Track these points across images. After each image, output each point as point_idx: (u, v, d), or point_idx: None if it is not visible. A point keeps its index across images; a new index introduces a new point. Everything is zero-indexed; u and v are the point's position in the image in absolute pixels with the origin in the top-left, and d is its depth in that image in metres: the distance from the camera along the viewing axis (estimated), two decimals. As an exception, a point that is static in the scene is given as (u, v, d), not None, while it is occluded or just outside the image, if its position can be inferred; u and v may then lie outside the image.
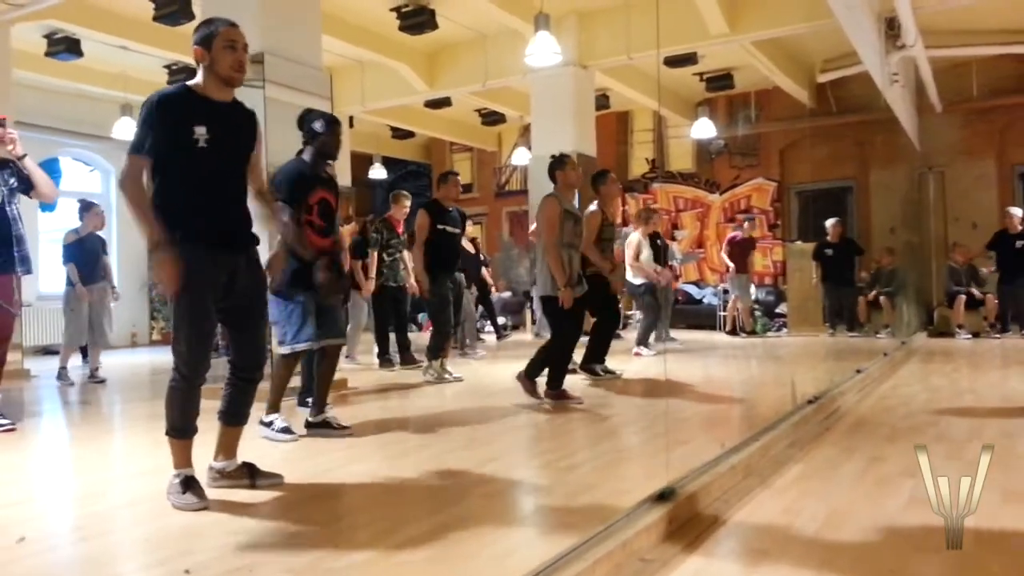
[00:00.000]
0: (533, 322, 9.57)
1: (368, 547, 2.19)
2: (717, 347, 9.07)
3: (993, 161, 11.17)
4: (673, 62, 9.67)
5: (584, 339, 5.63)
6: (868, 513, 2.61)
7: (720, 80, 11.11)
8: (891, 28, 7.90)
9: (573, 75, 9.52)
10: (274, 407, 3.87)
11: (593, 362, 5.91)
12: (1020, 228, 9.42)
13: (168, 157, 2.67)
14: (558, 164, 5.01)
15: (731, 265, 10.05)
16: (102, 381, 6.68)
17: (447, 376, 5.95)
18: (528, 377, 4.88)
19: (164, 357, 8.95)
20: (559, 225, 4.77)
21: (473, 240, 9.70)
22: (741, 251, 10.14)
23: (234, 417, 2.99)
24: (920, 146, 11.13)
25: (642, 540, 2.25)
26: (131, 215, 2.64)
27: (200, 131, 2.68)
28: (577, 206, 5.14)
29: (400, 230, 7.21)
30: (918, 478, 3.03)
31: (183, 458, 2.78)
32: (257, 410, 3.31)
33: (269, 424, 3.84)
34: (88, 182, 11.96)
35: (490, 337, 10.27)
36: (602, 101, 11.23)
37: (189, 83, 2.78)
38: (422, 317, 11.56)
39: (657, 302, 7.91)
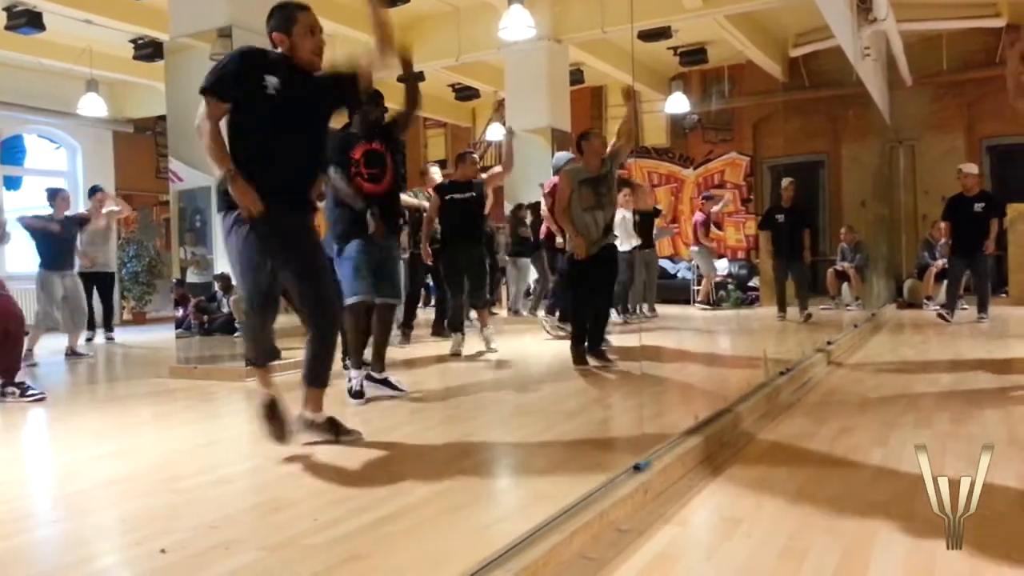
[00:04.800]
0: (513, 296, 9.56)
1: (345, 522, 2.20)
2: (691, 321, 9.15)
3: (962, 134, 11.31)
4: (647, 36, 9.64)
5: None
6: (838, 482, 2.66)
7: (694, 54, 11.11)
8: (863, 2, 7.92)
9: (547, 49, 9.46)
10: (354, 363, 4.10)
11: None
12: (977, 190, 8.05)
13: (240, 106, 2.84)
14: (583, 136, 5.29)
15: (701, 243, 10.28)
16: (82, 355, 6.92)
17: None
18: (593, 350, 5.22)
19: (134, 337, 8.92)
20: (569, 196, 5.14)
21: None
22: (702, 225, 10.37)
23: (307, 377, 3.14)
24: (891, 120, 11.23)
25: (618, 511, 2.28)
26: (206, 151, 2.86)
27: (271, 80, 2.82)
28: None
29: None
30: (888, 447, 3.11)
31: (266, 380, 3.04)
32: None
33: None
34: (54, 160, 11.72)
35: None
36: (576, 76, 11.19)
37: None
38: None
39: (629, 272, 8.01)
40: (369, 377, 4.18)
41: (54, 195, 7.21)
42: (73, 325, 7.01)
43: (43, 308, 6.78)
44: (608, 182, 5.20)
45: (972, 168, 8.17)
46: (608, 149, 5.24)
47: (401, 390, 4.24)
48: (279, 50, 2.94)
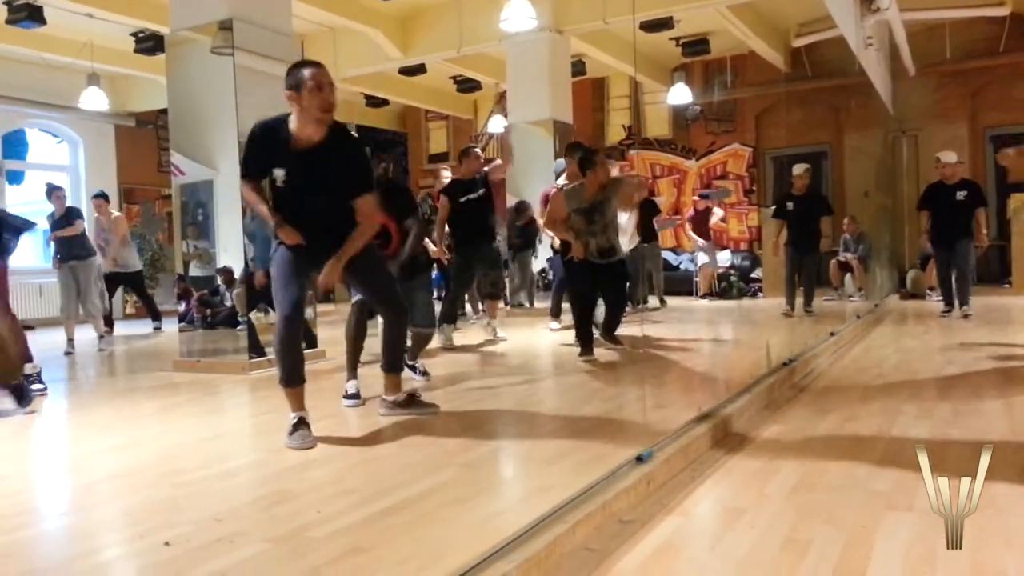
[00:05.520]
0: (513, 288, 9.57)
1: (348, 515, 2.21)
2: (694, 312, 9.14)
3: (965, 124, 11.25)
4: (649, 27, 9.59)
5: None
6: (841, 472, 2.66)
7: (696, 45, 11.05)
8: (866, -9, 7.89)
9: (549, 41, 9.43)
10: (349, 373, 4.01)
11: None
12: (958, 178, 7.57)
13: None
14: (588, 165, 5.22)
15: (697, 239, 10.30)
16: (101, 350, 7.16)
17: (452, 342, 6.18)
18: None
19: (138, 331, 8.95)
20: (563, 214, 5.23)
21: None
22: (702, 221, 10.43)
23: (385, 365, 3.58)
24: (894, 110, 11.18)
25: (621, 502, 2.28)
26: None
27: (278, 173, 3.14)
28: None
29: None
30: (890, 437, 3.11)
31: (295, 404, 3.19)
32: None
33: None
34: (56, 154, 11.73)
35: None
36: (578, 67, 11.15)
37: (288, 117, 3.15)
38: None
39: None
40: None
41: (50, 192, 7.39)
42: (89, 314, 7.24)
43: (62, 301, 7.13)
44: (602, 209, 5.20)
45: (950, 156, 7.70)
46: (610, 180, 5.28)
47: (426, 375, 4.55)
48: (290, 113, 3.11)
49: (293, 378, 3.21)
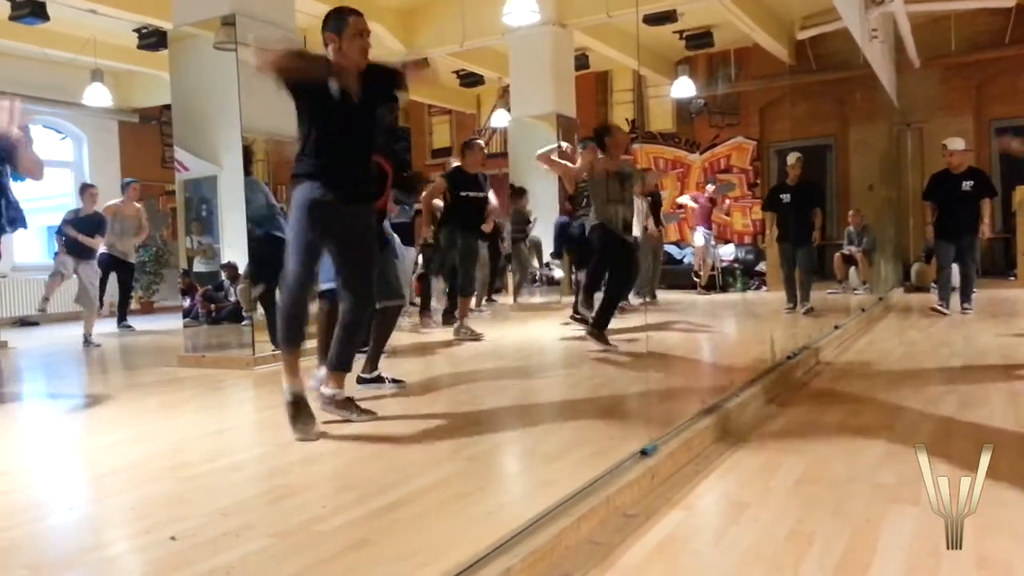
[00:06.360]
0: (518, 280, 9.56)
1: (353, 509, 2.21)
2: (697, 305, 9.13)
3: (971, 116, 11.20)
4: (652, 20, 9.57)
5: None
6: (845, 465, 2.66)
7: (700, 38, 11.02)
8: (870, -17, 7.85)
9: (552, 34, 9.42)
10: (320, 360, 3.80)
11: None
12: (966, 167, 7.21)
13: (307, 112, 3.14)
14: (604, 132, 5.43)
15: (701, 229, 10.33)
16: (98, 345, 7.02)
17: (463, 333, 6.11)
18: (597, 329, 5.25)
19: (142, 326, 8.95)
20: (592, 172, 5.29)
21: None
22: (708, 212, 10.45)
23: (333, 360, 3.35)
24: (898, 102, 11.15)
25: (625, 496, 2.29)
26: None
27: (333, 87, 3.13)
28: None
29: None
30: (894, 431, 3.11)
31: (291, 370, 3.20)
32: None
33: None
34: (59, 150, 11.74)
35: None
36: (581, 61, 11.12)
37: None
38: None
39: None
40: (360, 380, 3.99)
41: (83, 190, 7.53)
42: (86, 312, 7.19)
43: (51, 278, 7.15)
44: (628, 182, 5.33)
45: (958, 143, 7.27)
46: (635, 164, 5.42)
47: (398, 382, 4.05)
48: (329, 51, 3.18)
49: (302, 335, 3.18)
